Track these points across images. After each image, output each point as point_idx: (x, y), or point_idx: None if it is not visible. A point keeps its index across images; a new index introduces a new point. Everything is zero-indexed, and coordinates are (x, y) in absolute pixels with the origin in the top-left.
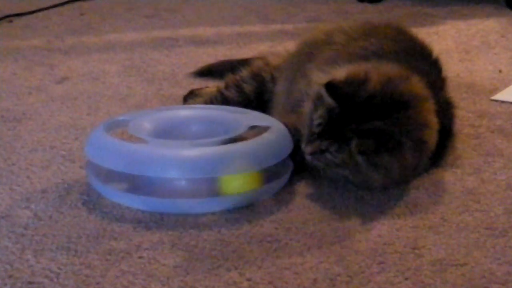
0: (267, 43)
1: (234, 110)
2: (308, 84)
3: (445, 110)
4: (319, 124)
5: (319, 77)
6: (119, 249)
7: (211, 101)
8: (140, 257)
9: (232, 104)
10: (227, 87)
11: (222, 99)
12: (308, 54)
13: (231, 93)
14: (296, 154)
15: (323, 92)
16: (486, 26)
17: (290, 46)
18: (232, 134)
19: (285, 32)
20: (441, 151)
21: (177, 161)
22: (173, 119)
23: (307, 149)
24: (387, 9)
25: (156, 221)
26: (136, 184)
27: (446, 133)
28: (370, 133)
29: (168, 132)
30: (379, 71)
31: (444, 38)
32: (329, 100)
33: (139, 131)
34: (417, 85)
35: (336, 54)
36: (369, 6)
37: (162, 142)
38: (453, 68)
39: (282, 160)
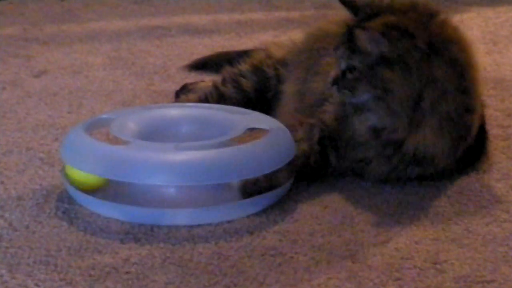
0: (270, 32)
1: (232, 109)
2: (324, 80)
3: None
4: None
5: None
6: (104, 264)
7: (206, 97)
8: (127, 273)
9: (229, 102)
10: (224, 82)
11: (218, 96)
12: (320, 49)
13: (228, 89)
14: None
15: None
16: None
17: (296, 35)
18: (226, 137)
19: (291, 20)
20: (478, 152)
21: (157, 166)
22: (161, 119)
23: (330, 83)
24: None
25: (145, 232)
26: (119, 192)
27: (483, 134)
28: (377, 24)
29: (155, 133)
30: None
31: (469, 27)
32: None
33: (122, 131)
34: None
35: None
36: None
37: (144, 144)
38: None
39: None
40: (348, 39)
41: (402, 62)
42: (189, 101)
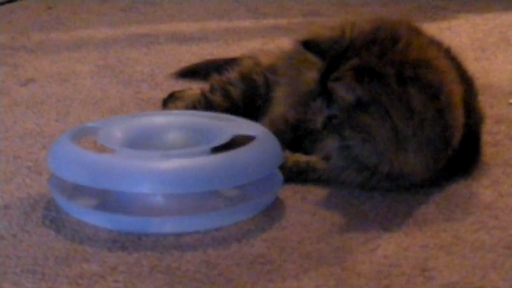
0: (258, 39)
1: (217, 116)
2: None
3: (474, 117)
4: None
5: None
6: (92, 272)
7: (194, 105)
8: (115, 281)
9: (217, 110)
10: (212, 90)
11: (206, 104)
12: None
13: (217, 97)
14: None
15: (302, 49)
16: (505, 20)
17: (284, 43)
18: (213, 144)
19: (279, 27)
20: (471, 158)
21: (144, 174)
22: (148, 127)
23: (317, 124)
24: (393, 1)
25: (133, 240)
26: (107, 200)
27: (476, 142)
28: (345, 70)
29: (142, 141)
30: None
31: (457, 34)
32: (310, 56)
33: (109, 139)
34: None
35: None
36: None
37: (130, 152)
38: (467, 68)
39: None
40: (323, 90)
41: (377, 103)
42: (177, 109)
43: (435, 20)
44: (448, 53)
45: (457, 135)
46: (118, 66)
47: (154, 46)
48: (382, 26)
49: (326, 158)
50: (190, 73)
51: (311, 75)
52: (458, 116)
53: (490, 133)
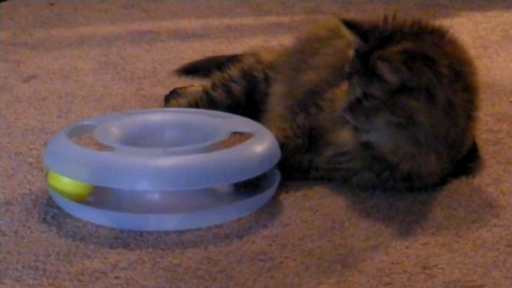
0: (260, 37)
1: (214, 114)
2: (318, 73)
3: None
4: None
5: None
6: (93, 269)
7: (196, 102)
8: (116, 278)
9: (219, 106)
10: (214, 86)
11: (208, 101)
12: (310, 49)
13: (219, 94)
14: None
15: (342, 27)
16: (507, 18)
17: (286, 40)
18: (211, 141)
19: (281, 25)
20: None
21: (145, 172)
22: (145, 124)
23: (345, 109)
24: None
25: (134, 237)
26: (104, 197)
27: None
28: (396, 51)
29: (139, 139)
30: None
31: (459, 32)
32: (348, 34)
33: (106, 137)
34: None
35: (337, 57)
36: None
37: (130, 149)
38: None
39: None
40: (363, 67)
41: (427, 90)
42: (179, 105)
43: (437, 18)
44: None
45: (469, 142)
46: (120, 62)
47: (156, 43)
48: (422, 21)
49: (336, 155)
50: (192, 70)
51: (308, 77)
52: (476, 123)
53: (491, 131)
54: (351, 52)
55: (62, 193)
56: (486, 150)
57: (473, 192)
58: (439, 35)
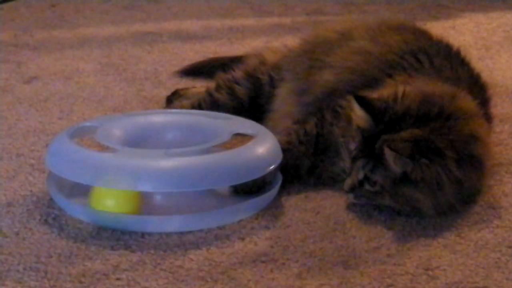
0: (262, 38)
1: (216, 115)
2: (337, 73)
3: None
4: (354, 149)
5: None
6: (95, 270)
7: (199, 103)
8: (118, 279)
9: (223, 108)
10: (217, 88)
11: (211, 102)
12: (323, 49)
13: (222, 96)
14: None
15: (354, 104)
16: (509, 19)
17: (288, 41)
18: (212, 143)
19: (282, 26)
20: None
21: (146, 173)
22: (146, 125)
23: (345, 185)
24: (397, 0)
25: (136, 239)
26: None
27: None
28: (405, 140)
29: (140, 140)
30: (417, 88)
31: (461, 33)
32: (360, 112)
33: (107, 138)
34: (464, 100)
35: (366, 45)
36: None
37: (131, 151)
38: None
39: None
40: (368, 151)
41: (431, 182)
42: (182, 107)
43: (439, 19)
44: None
45: None
46: (121, 64)
47: (158, 44)
48: (430, 98)
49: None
50: (194, 71)
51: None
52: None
53: (493, 132)
54: (355, 130)
55: (114, 210)
56: None
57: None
58: (448, 113)
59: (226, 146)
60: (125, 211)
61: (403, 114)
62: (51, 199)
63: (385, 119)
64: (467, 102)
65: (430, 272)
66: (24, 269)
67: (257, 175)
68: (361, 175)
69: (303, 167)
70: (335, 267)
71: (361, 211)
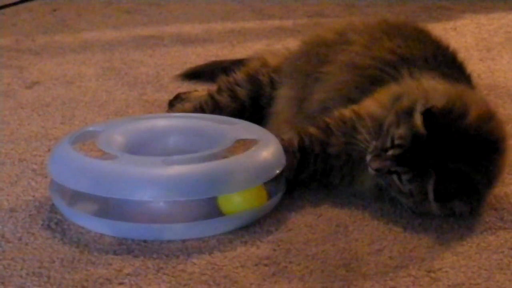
0: (263, 41)
1: (220, 120)
2: (327, 91)
3: None
4: (400, 146)
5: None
6: (97, 275)
7: (201, 106)
8: (121, 284)
9: (224, 111)
10: (219, 91)
11: (213, 105)
12: (319, 55)
13: (224, 98)
14: (308, 166)
15: (418, 119)
16: (510, 20)
17: (289, 44)
18: (215, 149)
19: (284, 28)
20: None
21: (143, 182)
22: (149, 131)
23: (373, 163)
24: (398, 2)
25: (139, 243)
26: (108, 206)
27: None
28: (452, 175)
29: (142, 146)
30: (478, 104)
31: (462, 34)
32: (421, 128)
33: (109, 144)
34: (502, 123)
35: (357, 57)
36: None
37: (130, 158)
38: (473, 68)
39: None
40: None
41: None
42: (184, 110)
43: (440, 20)
44: None
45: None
46: (123, 68)
47: (159, 48)
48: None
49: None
50: (195, 74)
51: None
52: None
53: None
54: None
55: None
56: None
57: None
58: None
59: (228, 150)
60: (256, 205)
61: (461, 136)
62: (53, 204)
63: (442, 137)
64: (503, 124)
65: (433, 274)
66: (27, 274)
67: (258, 182)
68: (396, 170)
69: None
70: (337, 269)
71: (363, 214)
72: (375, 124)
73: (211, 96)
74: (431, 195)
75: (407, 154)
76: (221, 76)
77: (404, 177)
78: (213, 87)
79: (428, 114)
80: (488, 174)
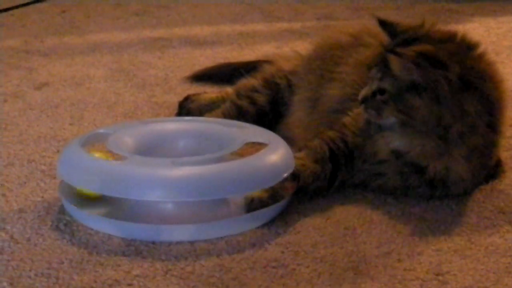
0: (272, 43)
1: (229, 123)
2: (342, 88)
3: None
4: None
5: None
6: (106, 277)
7: (228, 113)
8: (129, 285)
9: (247, 115)
10: (239, 96)
11: (237, 111)
12: (334, 57)
13: (245, 103)
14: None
15: (377, 24)
16: None
17: (298, 46)
18: (221, 152)
19: (293, 31)
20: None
21: (152, 182)
22: (159, 133)
23: (359, 95)
24: (406, 5)
25: (147, 245)
26: (117, 207)
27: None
28: (413, 50)
29: (152, 148)
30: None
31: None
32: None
33: (119, 146)
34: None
35: (371, 57)
36: (387, 2)
37: (139, 159)
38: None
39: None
40: (382, 61)
41: (432, 91)
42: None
43: (449, 23)
44: None
45: (497, 155)
46: (132, 70)
47: (168, 50)
48: (460, 33)
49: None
50: (204, 76)
51: (333, 92)
52: (503, 134)
53: (503, 137)
54: (380, 48)
55: None
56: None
57: (486, 198)
58: (468, 47)
59: (238, 154)
60: None
61: (423, 36)
62: (62, 205)
63: (403, 37)
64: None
65: (441, 277)
66: (36, 275)
67: (267, 184)
68: (374, 85)
69: (322, 185)
70: (346, 272)
71: (371, 217)
72: None
73: (234, 103)
74: (398, 76)
75: (378, 60)
76: (238, 83)
77: (377, 76)
78: (232, 93)
79: (382, 21)
80: (456, 55)
